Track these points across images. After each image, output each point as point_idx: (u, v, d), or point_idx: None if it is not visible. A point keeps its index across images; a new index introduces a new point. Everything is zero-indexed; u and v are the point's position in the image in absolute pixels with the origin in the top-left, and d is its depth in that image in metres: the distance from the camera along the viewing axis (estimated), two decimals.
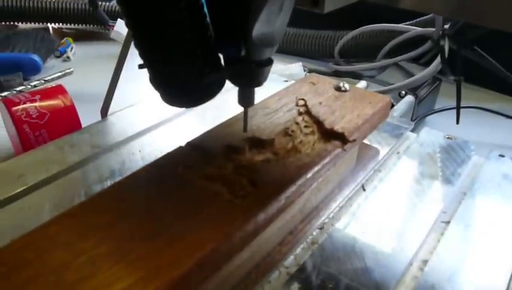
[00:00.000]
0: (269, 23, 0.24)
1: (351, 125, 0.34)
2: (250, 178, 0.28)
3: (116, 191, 0.26)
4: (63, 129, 0.45)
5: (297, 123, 0.34)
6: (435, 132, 0.42)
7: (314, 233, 0.31)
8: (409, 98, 0.50)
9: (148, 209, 0.25)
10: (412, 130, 0.43)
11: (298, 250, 0.29)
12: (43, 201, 0.31)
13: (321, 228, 0.31)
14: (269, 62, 0.27)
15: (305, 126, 0.34)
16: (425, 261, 0.29)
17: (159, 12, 0.22)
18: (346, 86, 0.39)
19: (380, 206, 0.33)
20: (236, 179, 0.27)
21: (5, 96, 0.61)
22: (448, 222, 0.32)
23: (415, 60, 0.59)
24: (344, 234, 0.31)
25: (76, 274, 0.21)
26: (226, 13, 0.24)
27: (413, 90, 0.51)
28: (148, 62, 0.24)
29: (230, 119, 0.34)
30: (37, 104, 0.45)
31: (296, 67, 0.66)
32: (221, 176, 0.28)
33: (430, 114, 0.51)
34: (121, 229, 0.23)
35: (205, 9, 0.23)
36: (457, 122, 0.48)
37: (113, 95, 0.43)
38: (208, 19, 0.24)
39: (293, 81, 0.52)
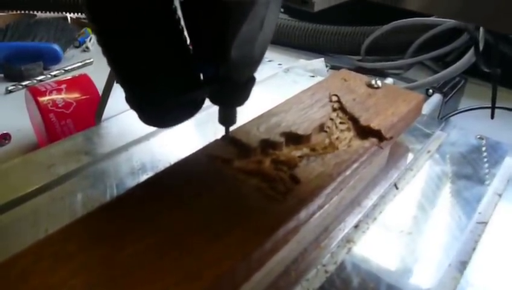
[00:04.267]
0: (249, 42, 0.22)
1: (387, 122, 0.33)
2: (290, 174, 0.27)
3: (155, 184, 0.26)
4: (89, 119, 0.44)
5: (331, 119, 0.34)
6: (465, 132, 0.41)
7: (350, 231, 0.30)
8: (437, 97, 0.49)
9: (189, 203, 0.24)
10: (442, 129, 0.43)
11: (334, 248, 0.29)
12: (74, 192, 0.31)
13: (356, 226, 0.31)
14: (250, 81, 0.26)
15: (341, 122, 0.33)
16: (464, 263, 0.28)
17: (130, 28, 0.20)
18: (379, 82, 0.39)
19: (415, 205, 0.33)
20: (277, 174, 0.27)
21: (25, 85, 0.61)
22: (485, 223, 0.31)
23: (441, 60, 0.58)
24: (379, 233, 0.30)
25: (119, 269, 0.20)
26: (202, 32, 0.23)
27: (439, 88, 0.50)
28: (123, 81, 0.22)
29: (263, 114, 0.33)
30: (63, 93, 0.45)
31: (318, 63, 0.65)
32: (261, 171, 0.27)
33: (457, 113, 0.50)
34: (162, 224, 0.23)
35: (182, 24, 0.22)
36: (492, 117, 0.46)
37: (107, 100, 0.41)
38: (186, 34, 0.22)
39: (319, 77, 0.52)
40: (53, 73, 0.65)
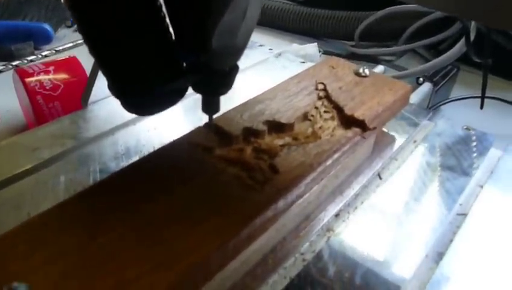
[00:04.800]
0: (231, 31, 0.22)
1: (371, 112, 0.33)
2: (270, 163, 0.27)
3: (134, 171, 0.26)
4: (77, 101, 0.44)
5: (316, 108, 0.34)
6: (452, 122, 0.41)
7: (331, 220, 0.31)
8: (427, 86, 0.49)
9: (167, 192, 0.24)
10: (429, 119, 0.43)
11: (314, 237, 0.29)
12: (58, 176, 0.31)
13: (337, 215, 0.31)
14: (233, 70, 0.25)
15: (325, 111, 0.33)
16: (440, 254, 0.28)
17: (111, 16, 0.20)
18: (367, 71, 0.39)
19: (396, 195, 0.33)
20: (257, 163, 0.27)
21: (16, 65, 0.60)
22: (465, 215, 0.32)
23: (434, 48, 0.58)
24: (359, 222, 0.30)
25: (93, 256, 0.21)
26: (183, 20, 0.22)
27: (430, 77, 0.50)
28: (104, 69, 0.22)
29: (248, 101, 0.33)
30: (50, 75, 0.44)
31: (311, 48, 0.65)
32: (241, 160, 0.27)
33: (448, 102, 0.50)
34: (139, 212, 0.23)
35: (164, 12, 0.21)
36: (481, 108, 0.46)
37: (93, 83, 0.41)
38: (168, 21, 0.22)
39: (309, 63, 0.52)
40: (44, 53, 0.64)
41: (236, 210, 0.24)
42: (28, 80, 0.43)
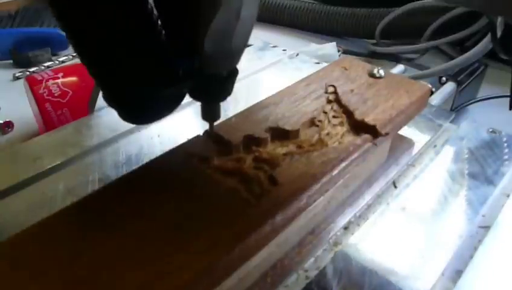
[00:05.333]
0: (225, 33, 0.21)
1: (384, 116, 0.31)
2: (269, 174, 0.25)
3: (126, 183, 0.25)
4: (86, 108, 0.44)
5: (325, 112, 0.32)
6: (477, 125, 0.39)
7: (338, 233, 0.29)
8: (450, 85, 0.46)
9: (158, 206, 0.23)
10: (452, 121, 0.40)
11: (319, 251, 0.27)
12: (57, 186, 0.30)
13: (346, 228, 0.29)
14: (232, 75, 0.24)
15: (334, 116, 0.31)
16: (459, 272, 0.26)
17: (96, 17, 0.19)
18: (381, 72, 0.36)
19: (412, 206, 0.31)
20: (256, 174, 0.25)
21: (32, 71, 0.61)
22: (488, 227, 0.29)
23: (459, 44, 0.54)
24: (370, 236, 0.28)
25: (76, 275, 0.20)
26: (173, 23, 0.21)
27: (454, 76, 0.47)
28: (98, 78, 0.21)
29: (252, 106, 0.32)
30: (59, 81, 0.44)
31: (330, 48, 0.62)
32: (239, 170, 0.26)
33: (472, 103, 0.47)
34: (127, 228, 0.22)
35: (156, 15, 0.20)
36: (511, 108, 0.43)
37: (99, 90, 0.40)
38: (159, 25, 0.21)
39: (324, 64, 0.49)
40: (61, 59, 0.64)
41: (228, 226, 0.22)
42: (36, 87, 0.43)
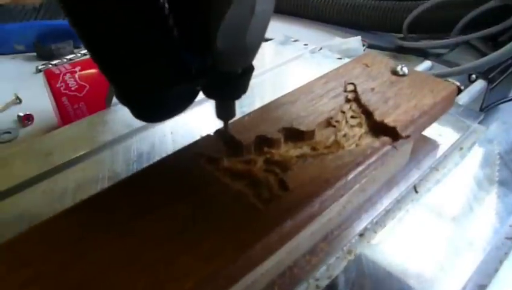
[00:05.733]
0: (239, 29, 0.19)
1: (406, 117, 0.29)
2: (280, 178, 0.24)
3: (131, 184, 0.24)
4: (102, 102, 0.43)
5: (343, 112, 0.30)
6: (508, 126, 0.36)
7: (353, 240, 0.27)
8: (480, 83, 0.44)
9: (161, 208, 0.22)
10: (480, 122, 0.37)
11: (332, 259, 0.26)
12: (67, 184, 0.30)
13: (361, 235, 0.28)
14: (247, 72, 0.22)
15: (352, 116, 0.30)
16: (482, 287, 0.24)
17: (105, 12, 0.18)
18: (405, 69, 0.34)
19: (434, 213, 0.29)
20: (266, 178, 0.24)
21: (55, 64, 0.61)
22: None
23: (492, 40, 0.51)
24: (387, 245, 0.27)
25: (75, 278, 0.19)
26: (185, 19, 0.20)
27: (485, 74, 0.44)
28: (108, 75, 0.20)
29: (266, 104, 0.30)
30: (76, 75, 0.44)
31: (355, 42, 0.60)
32: (249, 173, 0.25)
33: (503, 102, 0.44)
34: (129, 231, 0.21)
35: (167, 9, 0.19)
36: None
37: None
38: (171, 21, 0.20)
39: (347, 60, 0.48)
40: (83, 51, 0.64)
41: (234, 233, 0.21)
42: (53, 80, 0.43)
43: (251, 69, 0.23)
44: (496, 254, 0.26)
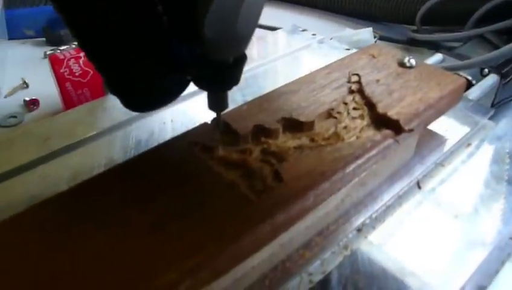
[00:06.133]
0: (228, 16, 0.19)
1: (410, 110, 0.28)
2: (275, 168, 0.24)
3: (122, 172, 0.24)
4: None
5: (345, 103, 0.29)
6: None
7: (350, 235, 0.26)
8: (492, 78, 0.42)
9: (150, 197, 0.22)
10: (490, 118, 0.36)
11: (327, 254, 0.25)
12: (63, 169, 0.30)
13: (359, 230, 0.27)
14: (239, 62, 0.21)
15: (354, 108, 0.29)
16: (482, 287, 0.23)
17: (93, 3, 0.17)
18: (412, 61, 0.33)
19: (436, 211, 0.28)
20: (260, 168, 0.24)
21: (63, 50, 0.61)
22: None
23: (506, 34, 0.49)
24: (385, 241, 0.26)
25: (51, 270, 0.19)
26: (173, 5, 0.19)
27: (498, 68, 0.43)
28: (96, 64, 0.20)
29: (267, 94, 0.30)
30: (81, 61, 0.43)
31: (366, 33, 0.59)
32: (244, 162, 0.24)
33: None
34: (118, 218, 0.21)
35: None
36: None
37: None
38: (160, 8, 0.19)
39: (354, 50, 0.46)
40: None
41: (222, 225, 0.20)
42: (58, 66, 0.42)
43: (243, 58, 0.22)
44: (499, 255, 0.25)
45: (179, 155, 0.25)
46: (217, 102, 0.24)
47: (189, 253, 0.19)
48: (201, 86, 0.23)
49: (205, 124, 0.27)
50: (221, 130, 0.26)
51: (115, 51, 0.19)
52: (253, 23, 0.20)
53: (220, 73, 0.22)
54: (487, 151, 0.33)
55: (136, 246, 0.20)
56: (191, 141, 0.25)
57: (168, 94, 0.22)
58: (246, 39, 0.21)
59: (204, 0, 0.18)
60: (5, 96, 0.52)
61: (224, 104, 0.24)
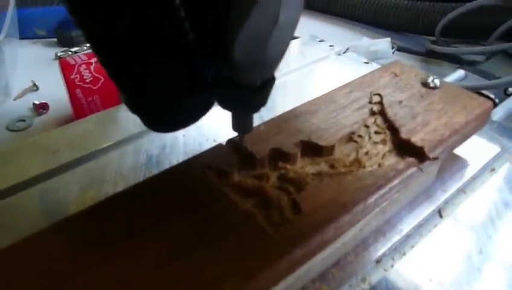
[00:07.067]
0: (259, 39, 0.18)
1: (435, 136, 0.27)
2: (293, 198, 0.22)
3: (132, 196, 0.23)
4: (117, 96, 0.42)
5: (366, 126, 0.28)
6: None
7: (369, 267, 0.25)
8: None
9: (160, 227, 0.21)
10: None
11: (345, 288, 0.24)
12: (71, 184, 0.29)
13: (378, 262, 0.26)
14: (267, 84, 0.20)
15: (376, 132, 0.28)
16: None
17: (116, 14, 0.16)
18: (436, 81, 0.32)
19: (459, 241, 0.27)
20: (277, 197, 0.22)
21: (74, 51, 0.60)
22: None
23: None
24: (405, 273, 0.25)
25: None
26: (201, 25, 0.18)
27: None
28: (117, 82, 0.19)
29: (284, 114, 0.29)
30: (92, 67, 0.42)
31: (383, 43, 0.57)
32: (261, 190, 0.23)
33: None
34: (129, 247, 0.20)
35: (182, 13, 0.17)
36: None
37: None
38: (187, 26, 0.18)
39: (374, 65, 0.45)
40: None
41: (239, 260, 0.19)
42: (68, 71, 0.41)
43: (272, 81, 0.21)
44: None
45: (192, 180, 0.23)
46: (241, 124, 0.23)
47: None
48: (226, 107, 0.22)
49: (220, 145, 0.26)
50: (243, 152, 0.25)
51: (139, 69, 0.18)
52: (284, 48, 0.19)
53: (246, 96, 0.21)
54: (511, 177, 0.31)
55: (142, 282, 0.18)
56: (205, 164, 0.24)
57: (191, 115, 0.21)
58: (275, 63, 0.20)
59: (236, 22, 0.17)
60: (15, 99, 0.52)
61: (249, 127, 0.23)
